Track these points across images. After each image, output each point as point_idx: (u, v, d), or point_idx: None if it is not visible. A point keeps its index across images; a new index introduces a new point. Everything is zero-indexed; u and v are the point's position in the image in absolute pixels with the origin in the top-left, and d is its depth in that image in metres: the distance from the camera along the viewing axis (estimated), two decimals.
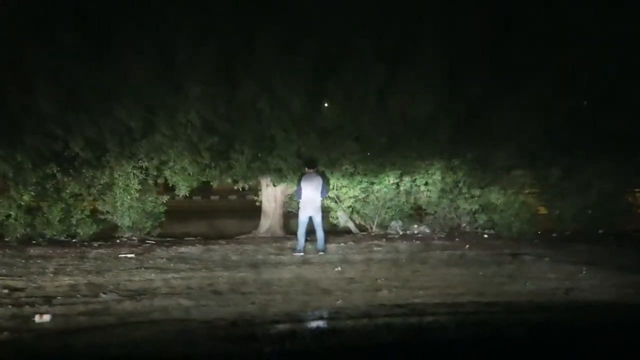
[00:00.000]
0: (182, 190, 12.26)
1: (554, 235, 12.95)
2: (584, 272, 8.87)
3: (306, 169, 10.61)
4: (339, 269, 9.13)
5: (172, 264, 9.35)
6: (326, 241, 10.76)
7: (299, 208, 10.71)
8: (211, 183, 12.80)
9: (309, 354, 1.37)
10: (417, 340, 1.52)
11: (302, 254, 10.35)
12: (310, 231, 10.59)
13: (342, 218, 12.98)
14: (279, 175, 12.22)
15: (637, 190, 14.09)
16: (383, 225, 13.02)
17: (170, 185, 12.43)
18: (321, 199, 10.54)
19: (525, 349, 1.40)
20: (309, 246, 10.79)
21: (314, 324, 1.79)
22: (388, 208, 12.88)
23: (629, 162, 12.29)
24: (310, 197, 10.41)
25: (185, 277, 8.41)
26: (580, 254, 10.32)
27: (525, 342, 1.47)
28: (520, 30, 11.91)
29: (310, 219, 10.48)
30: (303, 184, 10.43)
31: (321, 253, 10.42)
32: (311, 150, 11.90)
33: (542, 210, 13.43)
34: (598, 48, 11.71)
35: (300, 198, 10.53)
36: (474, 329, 1.71)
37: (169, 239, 12.12)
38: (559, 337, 1.54)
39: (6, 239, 11.43)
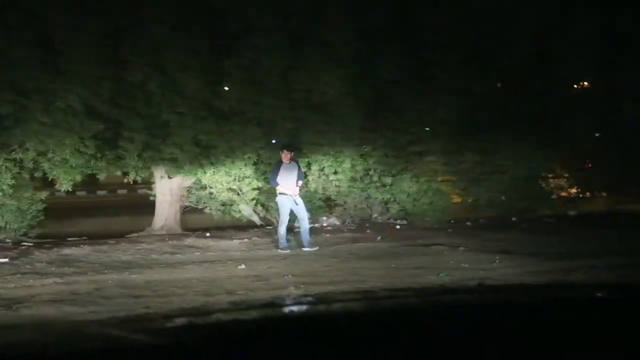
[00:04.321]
0: (64, 185, 11.83)
1: (469, 223, 13.52)
2: (497, 260, 9.32)
3: (283, 153, 10.61)
4: (243, 266, 9.15)
5: (53, 268, 9.02)
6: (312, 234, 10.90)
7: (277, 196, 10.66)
8: (97, 176, 12.43)
9: (206, 344, 1.40)
10: (323, 324, 1.59)
11: (288, 250, 10.43)
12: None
13: (245, 211, 12.94)
14: (175, 165, 12.03)
15: (550, 175, 14.96)
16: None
17: (49, 179, 11.96)
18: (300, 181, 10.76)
19: (434, 327, 1.50)
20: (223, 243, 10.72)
21: (212, 317, 1.82)
22: None
23: (543, 147, 13.03)
24: (289, 181, 10.48)
25: (70, 282, 8.15)
26: (495, 242, 10.81)
27: (435, 322, 1.57)
28: (431, 11, 12.34)
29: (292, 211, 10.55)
30: (283, 171, 10.45)
31: (307, 249, 10.44)
32: (209, 137, 11.80)
33: (456, 198, 13.99)
34: (511, 31, 12.36)
35: (274, 184, 10.58)
36: (382, 311, 1.80)
37: (50, 240, 11.65)
38: (467, 316, 1.65)
39: None
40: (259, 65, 11.75)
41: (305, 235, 10.61)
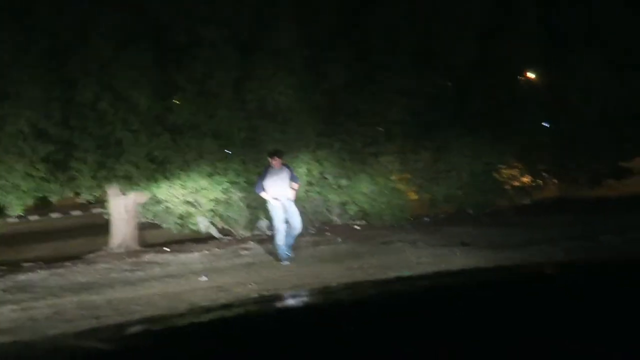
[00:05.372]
0: (16, 210, 11.60)
1: (427, 219, 13.73)
2: (457, 254, 9.51)
3: (272, 159, 10.12)
4: (205, 278, 9.13)
5: (9, 295, 8.85)
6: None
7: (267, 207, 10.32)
8: (50, 198, 12.23)
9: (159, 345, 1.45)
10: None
11: (287, 263, 9.96)
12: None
13: (202, 223, 12.82)
14: (130, 182, 11.90)
15: (503, 167, 15.26)
16: (249, 227, 13.08)
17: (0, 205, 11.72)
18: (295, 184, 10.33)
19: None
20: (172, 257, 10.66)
21: (168, 322, 1.86)
22: (253, 208, 12.93)
23: (495, 141, 13.33)
24: (280, 188, 10.06)
25: (27, 308, 8.01)
26: (454, 237, 11.01)
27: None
28: (377, 14, 12.56)
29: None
30: (270, 177, 10.04)
31: (286, 262, 10.01)
32: (164, 153, 11.74)
33: (413, 196, 14.18)
34: (455, 29, 12.66)
35: (259, 191, 10.22)
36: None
37: (3, 267, 11.41)
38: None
39: None
40: (211, 77, 11.74)
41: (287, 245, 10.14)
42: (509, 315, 1.46)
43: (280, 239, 10.03)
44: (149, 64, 11.28)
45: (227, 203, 12.80)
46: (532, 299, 1.56)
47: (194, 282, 9.02)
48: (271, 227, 10.85)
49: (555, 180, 15.38)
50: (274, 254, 10.55)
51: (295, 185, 10.32)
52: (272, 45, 11.97)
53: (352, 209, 13.44)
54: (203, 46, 11.58)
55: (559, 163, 14.95)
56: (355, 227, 13.16)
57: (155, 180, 12.04)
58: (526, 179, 15.10)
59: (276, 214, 10.08)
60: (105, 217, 12.97)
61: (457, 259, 9.18)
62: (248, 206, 12.85)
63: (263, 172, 10.31)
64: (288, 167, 10.42)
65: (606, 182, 15.12)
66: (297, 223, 10.12)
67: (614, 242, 9.33)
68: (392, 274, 8.39)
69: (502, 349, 1.33)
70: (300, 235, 10.54)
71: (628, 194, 14.38)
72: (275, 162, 10.10)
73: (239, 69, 11.89)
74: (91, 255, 12.17)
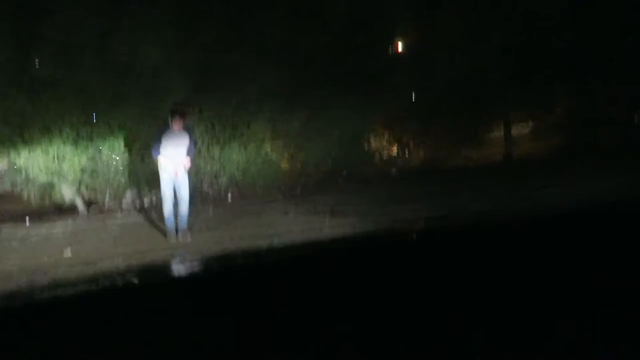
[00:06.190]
0: None
1: (298, 189, 13.90)
2: (327, 222, 9.78)
3: (173, 120, 8.89)
4: (69, 251, 8.80)
5: None
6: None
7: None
8: None
9: None
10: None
11: (173, 240, 9.10)
12: None
13: (67, 194, 12.24)
14: None
15: (371, 135, 15.73)
16: (117, 198, 12.66)
17: None
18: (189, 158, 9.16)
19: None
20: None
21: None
22: (121, 177, 12.51)
23: (365, 106, 13.63)
24: (177, 154, 8.96)
25: None
26: (324, 205, 11.24)
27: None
28: None
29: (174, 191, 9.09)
30: (166, 141, 8.89)
31: (180, 235, 9.16)
32: (22, 115, 11.04)
33: (285, 165, 14.29)
34: None
35: (156, 156, 9.03)
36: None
37: None
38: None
39: None
40: (74, 30, 11.09)
41: (181, 221, 9.20)
42: (367, 279, 1.55)
43: (167, 209, 9.13)
44: (5, 11, 10.50)
45: (94, 171, 12.27)
46: (390, 264, 1.66)
47: (57, 255, 8.65)
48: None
49: (421, 151, 16.06)
50: (143, 224, 10.33)
51: (188, 157, 9.13)
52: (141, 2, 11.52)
53: (224, 179, 13.33)
54: None
55: (422, 131, 15.64)
56: (227, 197, 13.10)
57: (14, 146, 11.33)
58: (394, 149, 15.68)
59: (165, 182, 9.05)
60: None
61: (326, 228, 9.44)
62: (115, 175, 12.41)
63: (158, 132, 9.07)
64: (189, 131, 9.25)
65: (465, 152, 15.94)
66: (184, 196, 9.11)
67: (473, 206, 10.02)
68: (261, 243, 8.53)
69: (365, 312, 1.42)
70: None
71: (486, 161, 15.43)
72: (177, 123, 8.87)
73: (105, 20, 11.33)
74: None
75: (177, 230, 9.19)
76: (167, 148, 8.87)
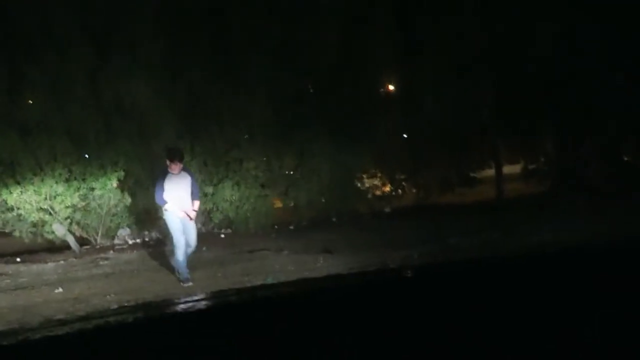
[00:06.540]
0: None
1: (291, 227, 13.91)
2: (321, 260, 9.78)
3: (173, 163, 8.41)
4: (60, 290, 8.70)
5: None
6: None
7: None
8: None
9: None
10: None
11: (190, 283, 8.55)
12: None
13: (59, 231, 12.13)
14: None
15: (365, 175, 15.82)
16: (109, 236, 12.61)
17: None
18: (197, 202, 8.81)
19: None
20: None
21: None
22: (113, 215, 12.46)
23: (354, 146, 13.76)
24: (181, 198, 8.50)
25: None
26: (318, 243, 11.24)
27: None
28: (239, 11, 12.66)
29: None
30: (168, 185, 8.41)
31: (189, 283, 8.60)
32: (14, 154, 11.06)
33: (278, 203, 14.32)
34: (318, 31, 12.97)
35: (162, 203, 8.50)
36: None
37: None
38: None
39: None
40: (64, 70, 11.22)
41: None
42: (363, 316, 1.56)
43: (180, 255, 8.58)
44: None
45: (85, 210, 12.24)
46: (383, 301, 1.68)
47: (49, 294, 8.55)
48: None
49: (414, 189, 16.14)
50: (135, 262, 10.27)
51: (196, 203, 8.77)
52: (129, 38, 11.65)
53: (217, 217, 13.32)
54: (55, 37, 11.07)
55: (413, 171, 15.76)
56: (221, 235, 13.08)
57: (6, 185, 11.33)
58: (387, 188, 15.77)
59: (175, 227, 8.51)
60: None
61: (320, 265, 9.42)
62: (107, 213, 12.37)
63: (159, 177, 8.56)
64: (189, 173, 8.87)
65: (458, 190, 16.02)
66: (193, 240, 8.77)
67: (463, 244, 10.18)
68: (256, 281, 8.48)
69: (359, 347, 1.43)
70: (163, 244, 10.21)
71: (475, 201, 15.54)
72: (175, 166, 8.41)
73: (94, 60, 11.45)
74: None
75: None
76: (171, 192, 8.42)
